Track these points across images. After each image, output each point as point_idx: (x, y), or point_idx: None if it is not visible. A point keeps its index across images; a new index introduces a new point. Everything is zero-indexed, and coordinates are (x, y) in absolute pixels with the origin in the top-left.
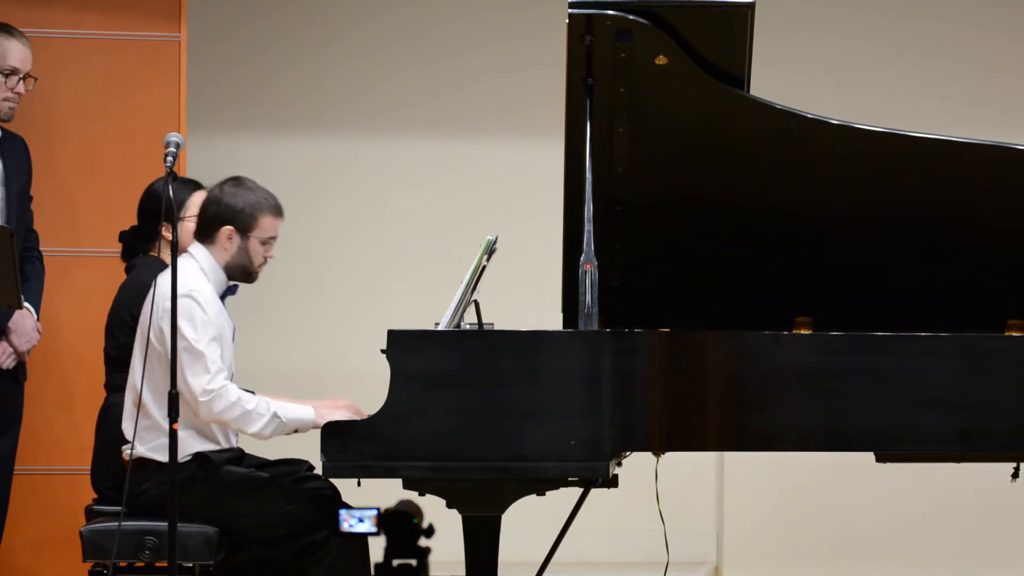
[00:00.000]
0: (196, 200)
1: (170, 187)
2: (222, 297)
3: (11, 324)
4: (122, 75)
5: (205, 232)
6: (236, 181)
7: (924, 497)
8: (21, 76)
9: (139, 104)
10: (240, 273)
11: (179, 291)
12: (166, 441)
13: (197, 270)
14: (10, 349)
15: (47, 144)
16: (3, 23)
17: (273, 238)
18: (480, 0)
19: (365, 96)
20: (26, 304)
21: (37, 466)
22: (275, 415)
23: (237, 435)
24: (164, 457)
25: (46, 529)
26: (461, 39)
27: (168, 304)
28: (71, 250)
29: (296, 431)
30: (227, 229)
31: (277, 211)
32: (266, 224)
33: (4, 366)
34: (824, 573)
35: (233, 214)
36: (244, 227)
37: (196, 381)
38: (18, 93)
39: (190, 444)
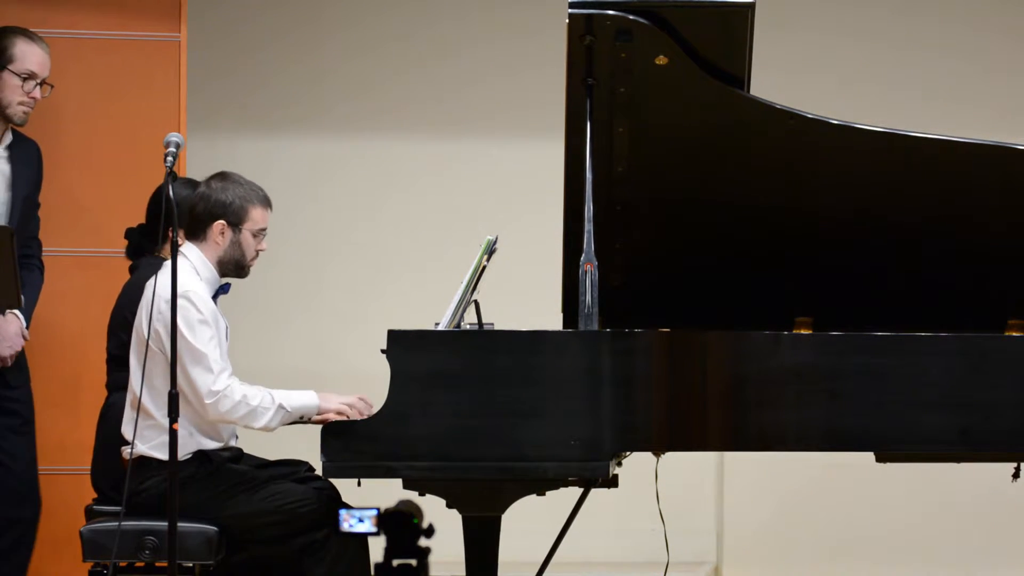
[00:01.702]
0: None
1: (170, 187)
2: (215, 296)
3: None
4: (122, 75)
5: (196, 230)
6: (222, 176)
7: (924, 497)
8: (38, 81)
9: (139, 104)
10: (233, 267)
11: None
12: (167, 439)
13: (190, 270)
14: None
15: (47, 144)
16: (24, 28)
17: (263, 230)
18: (479, 0)
19: (365, 96)
20: (12, 311)
21: (37, 466)
22: (280, 406)
23: (237, 436)
24: (165, 455)
25: (46, 529)
26: (461, 39)
27: (163, 306)
28: (71, 250)
29: (302, 418)
30: (219, 224)
31: (266, 202)
32: (256, 216)
33: None
34: (824, 573)
35: (224, 208)
36: (236, 220)
37: (201, 382)
38: (33, 98)
39: (192, 442)
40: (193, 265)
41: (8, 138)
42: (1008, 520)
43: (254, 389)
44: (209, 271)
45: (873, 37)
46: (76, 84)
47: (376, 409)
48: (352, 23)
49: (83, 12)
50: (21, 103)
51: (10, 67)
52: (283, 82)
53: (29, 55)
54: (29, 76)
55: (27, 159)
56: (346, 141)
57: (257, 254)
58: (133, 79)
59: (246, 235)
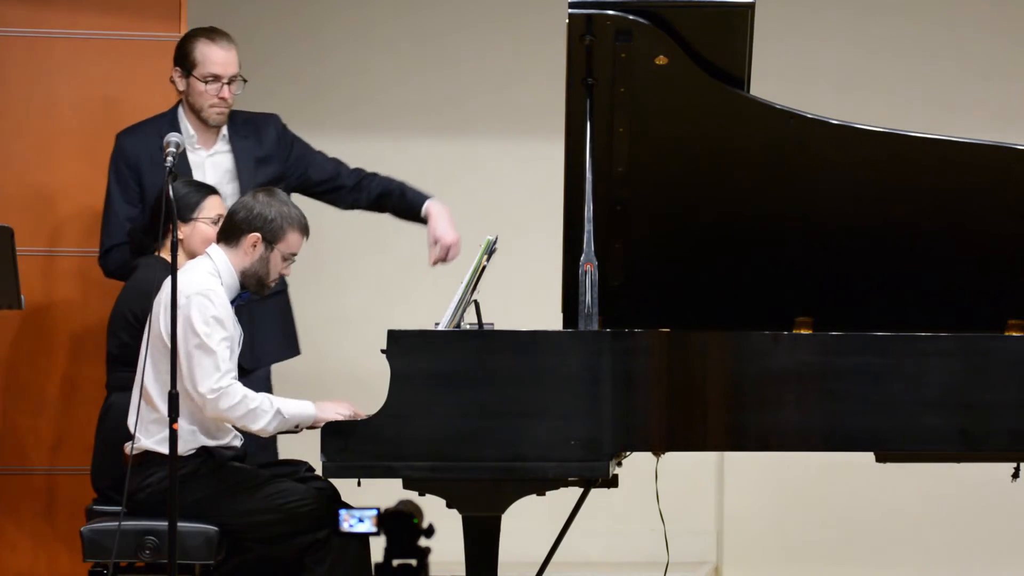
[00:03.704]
0: (210, 204)
1: (170, 187)
2: (232, 303)
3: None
4: (122, 75)
5: (229, 236)
6: (270, 191)
7: (924, 497)
8: (225, 81)
9: (139, 104)
10: (254, 282)
11: (194, 289)
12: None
13: (212, 271)
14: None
15: (46, 143)
16: (209, 28)
17: (294, 255)
18: (480, 2)
19: (365, 98)
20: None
21: (37, 466)
22: (278, 411)
23: (241, 437)
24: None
25: (46, 529)
26: (461, 41)
27: (183, 301)
28: (71, 249)
29: (297, 427)
30: (254, 236)
31: (305, 230)
32: (292, 240)
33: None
34: (824, 573)
35: (264, 222)
36: (272, 237)
37: (205, 377)
38: (223, 98)
39: (195, 439)
40: (217, 268)
41: (224, 131)
42: (1008, 520)
43: (254, 393)
44: (232, 278)
45: (872, 40)
46: (76, 84)
47: (374, 411)
48: (353, 27)
49: (83, 12)
50: (212, 105)
51: (195, 72)
52: (283, 83)
53: (210, 57)
54: (213, 79)
55: (252, 145)
56: (347, 143)
57: (280, 277)
58: (133, 79)
59: (276, 255)
